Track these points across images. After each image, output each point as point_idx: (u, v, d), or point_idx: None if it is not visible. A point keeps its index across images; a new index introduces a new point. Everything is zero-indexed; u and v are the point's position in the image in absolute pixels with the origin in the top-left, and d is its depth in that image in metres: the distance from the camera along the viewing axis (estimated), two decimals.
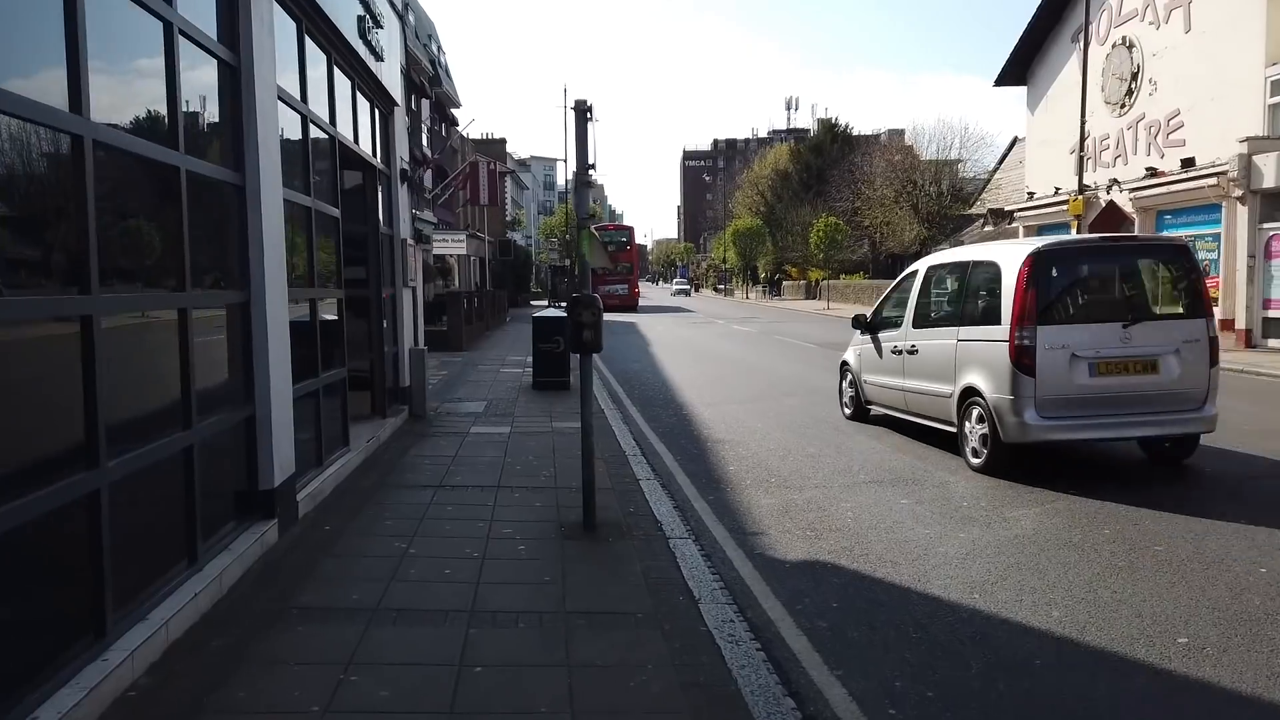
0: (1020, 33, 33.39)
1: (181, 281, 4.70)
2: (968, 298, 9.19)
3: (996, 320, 8.34)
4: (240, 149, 5.62)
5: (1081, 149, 23.45)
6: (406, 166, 11.45)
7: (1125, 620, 4.95)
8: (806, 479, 8.47)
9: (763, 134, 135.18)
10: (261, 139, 5.70)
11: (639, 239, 77.22)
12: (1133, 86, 28.38)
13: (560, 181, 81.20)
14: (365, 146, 9.72)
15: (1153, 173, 26.58)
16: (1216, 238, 24.17)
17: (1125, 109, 28.67)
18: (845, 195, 51.84)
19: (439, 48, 49.04)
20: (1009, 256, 8.50)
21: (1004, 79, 35.24)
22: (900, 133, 60.80)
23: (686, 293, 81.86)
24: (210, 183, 5.27)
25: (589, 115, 6.09)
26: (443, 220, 42.90)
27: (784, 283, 69.23)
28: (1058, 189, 30.85)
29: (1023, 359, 8.00)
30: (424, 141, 40.45)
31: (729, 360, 20.66)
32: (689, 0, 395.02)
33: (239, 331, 5.66)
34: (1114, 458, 9.07)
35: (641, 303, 53.68)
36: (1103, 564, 5.87)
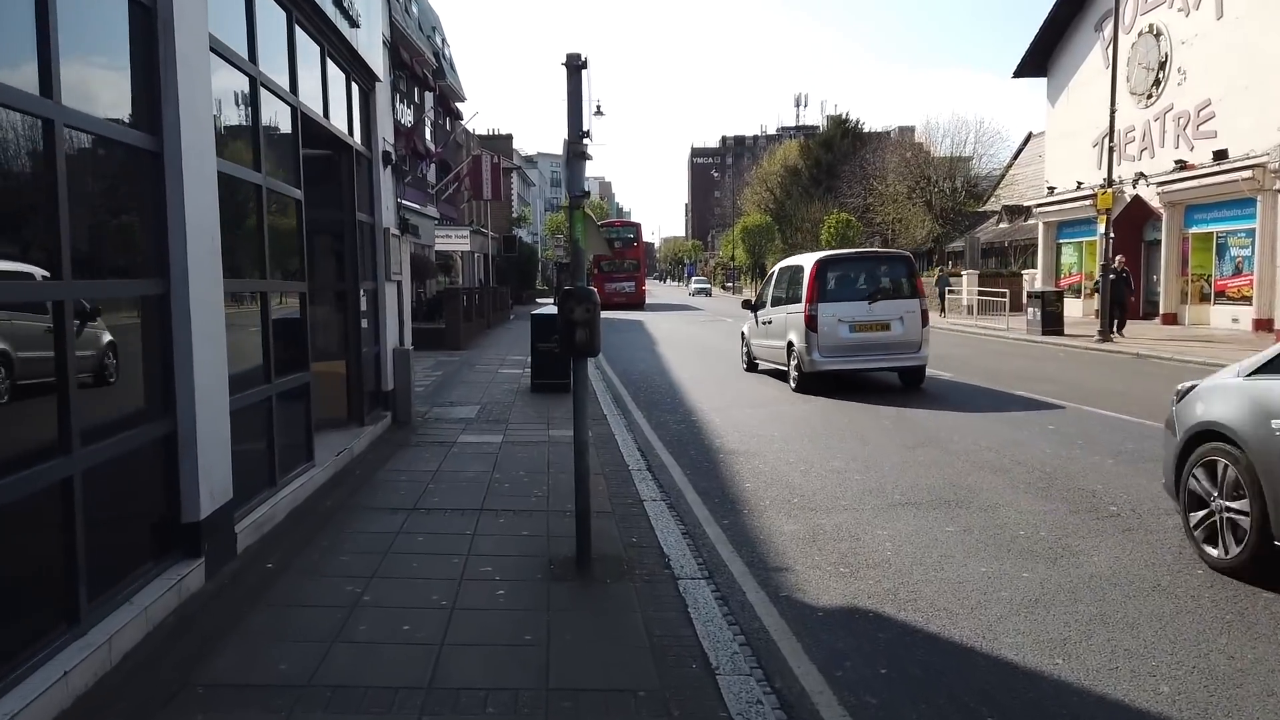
0: (1040, 23, 32.32)
1: (55, 267, 3.68)
2: (790, 286, 14.41)
3: (800, 300, 13.55)
4: (156, 108, 4.60)
5: (1111, 139, 22.26)
6: (390, 149, 10.43)
7: (1256, 701, 3.90)
8: (834, 499, 7.44)
9: (772, 131, 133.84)
10: (184, 98, 4.69)
11: (646, 236, 75.43)
12: (1160, 76, 27.23)
13: None
14: (339, 124, 8.70)
15: (1182, 165, 25.43)
16: (1250, 233, 23.04)
17: (1152, 100, 27.52)
18: (857, 191, 50.67)
19: (443, 40, 48.09)
20: (807, 261, 14.08)
21: (1023, 70, 34.10)
22: (910, 129, 59.43)
23: (707, 292, 76.32)
24: (107, 145, 4.25)
25: (582, 71, 5.05)
26: (446, 215, 41.93)
27: None
28: (1080, 183, 29.72)
29: (811, 322, 13.24)
30: (427, 135, 39.50)
31: (740, 360, 19.58)
32: None
33: (155, 330, 4.65)
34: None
35: (649, 300, 52.57)
36: (1205, 616, 4.82)
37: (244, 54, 5.93)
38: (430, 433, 10.25)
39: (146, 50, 4.56)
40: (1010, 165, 48.72)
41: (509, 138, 71.26)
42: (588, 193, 5.23)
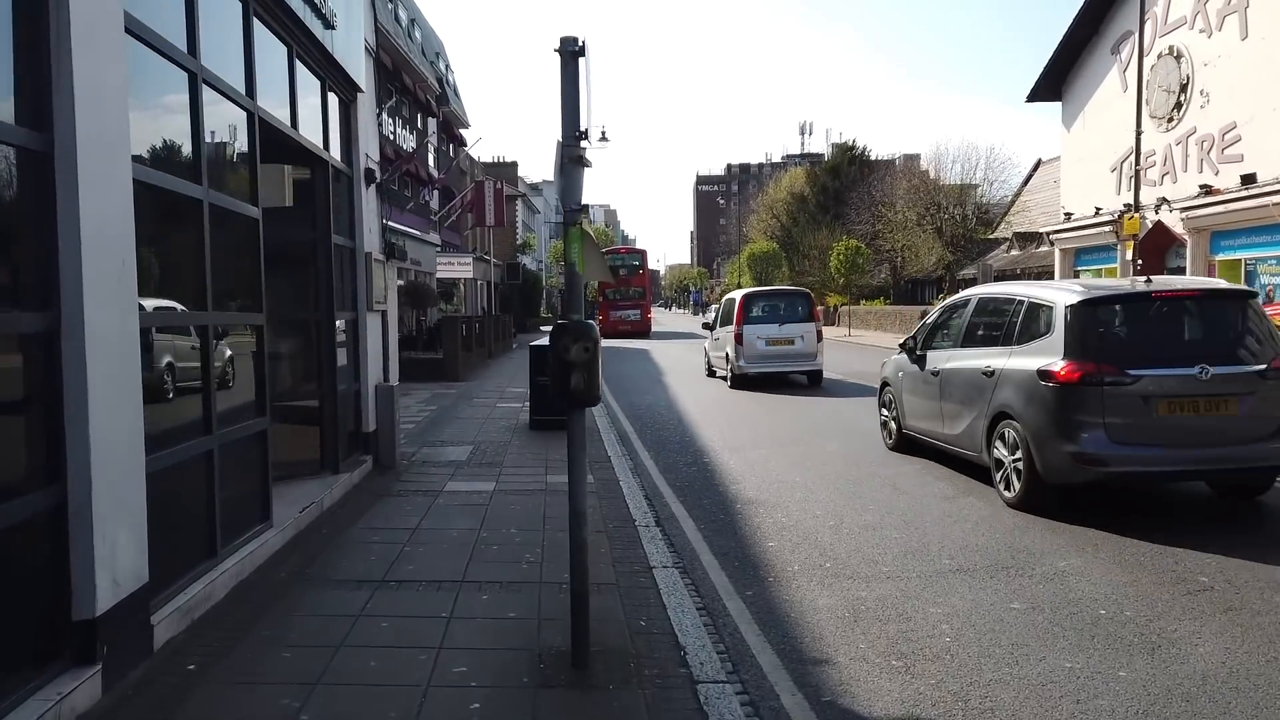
0: (1053, 45, 31.54)
1: None
2: (728, 312, 19.43)
3: (734, 322, 18.57)
4: (44, 98, 3.67)
5: (1138, 162, 21.40)
6: (374, 166, 9.52)
7: None
8: (873, 564, 6.42)
9: (777, 158, 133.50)
10: (83, 86, 3.76)
11: (651, 264, 74.51)
12: (1181, 99, 26.35)
13: None
14: (313, 136, 7.79)
15: (1207, 190, 24.49)
16: None
17: (1173, 123, 26.61)
18: (865, 218, 49.87)
19: (447, 66, 47.64)
20: (738, 295, 19.53)
21: (1037, 94, 33.24)
22: (916, 157, 58.63)
23: None
24: None
25: (580, 57, 4.12)
26: (449, 242, 41.18)
27: None
28: (1098, 209, 28.78)
29: (739, 339, 18.27)
30: (430, 161, 38.81)
31: (751, 393, 18.59)
32: (702, 24, 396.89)
33: (40, 374, 3.68)
34: None
35: (655, 328, 51.62)
36: None
37: (181, 45, 5.02)
38: (415, 479, 9.25)
39: (32, 24, 3.63)
40: (1020, 191, 47.91)
41: (514, 165, 70.75)
42: (585, 206, 4.28)
